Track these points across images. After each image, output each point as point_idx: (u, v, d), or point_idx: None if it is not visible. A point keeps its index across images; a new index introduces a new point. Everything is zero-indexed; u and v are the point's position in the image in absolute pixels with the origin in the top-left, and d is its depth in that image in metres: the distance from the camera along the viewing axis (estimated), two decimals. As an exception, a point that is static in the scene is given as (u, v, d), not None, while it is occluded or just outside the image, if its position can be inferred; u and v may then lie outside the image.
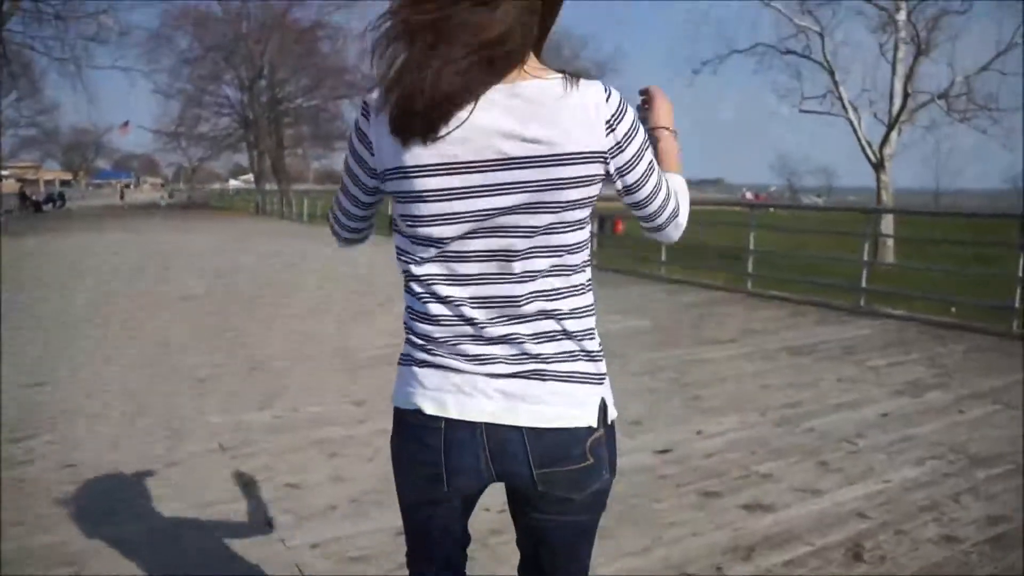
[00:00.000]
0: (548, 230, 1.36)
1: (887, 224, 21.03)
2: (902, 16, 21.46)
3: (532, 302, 1.39)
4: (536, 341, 1.40)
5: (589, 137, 1.32)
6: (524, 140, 1.28)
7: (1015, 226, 8.16)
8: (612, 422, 1.48)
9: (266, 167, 41.06)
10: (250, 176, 54.48)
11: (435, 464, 1.43)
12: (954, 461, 4.01)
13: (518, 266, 1.36)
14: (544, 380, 1.39)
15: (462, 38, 1.24)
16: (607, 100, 1.34)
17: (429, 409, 1.41)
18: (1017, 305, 7.68)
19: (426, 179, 1.31)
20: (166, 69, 38.11)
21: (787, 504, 3.45)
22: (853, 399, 5.16)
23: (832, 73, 23.03)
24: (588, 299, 1.52)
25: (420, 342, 1.43)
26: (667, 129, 1.70)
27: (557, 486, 1.42)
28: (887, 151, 21.91)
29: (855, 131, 22.58)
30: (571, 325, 1.46)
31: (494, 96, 1.28)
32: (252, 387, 5.33)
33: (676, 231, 1.62)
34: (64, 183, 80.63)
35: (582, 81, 1.34)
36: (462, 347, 1.39)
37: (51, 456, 3.97)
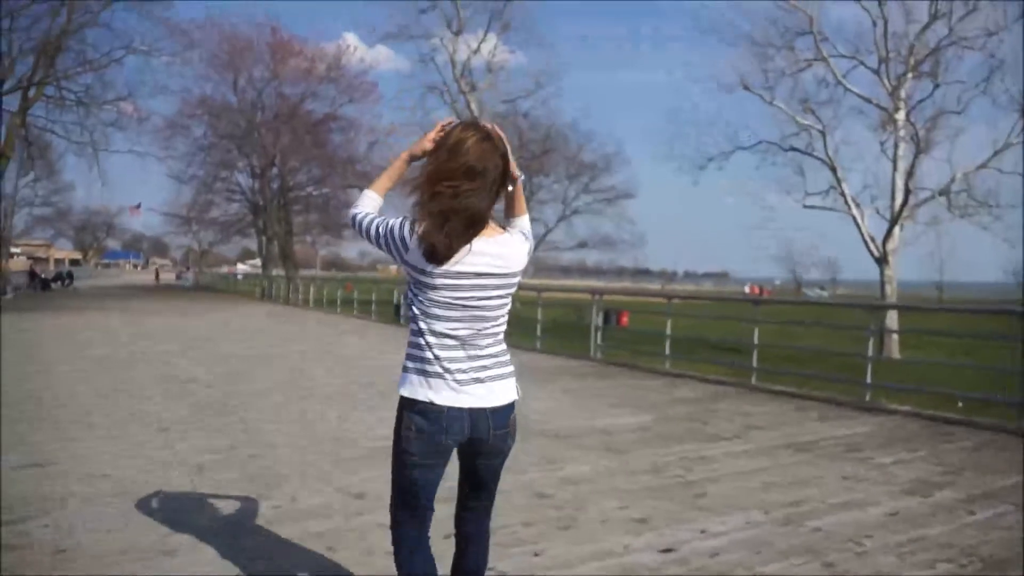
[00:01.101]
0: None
1: (891, 318, 21.07)
2: (901, 116, 21.95)
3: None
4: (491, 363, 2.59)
5: (523, 261, 2.57)
6: (498, 264, 2.49)
7: (1018, 319, 8.16)
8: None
9: (274, 252, 41.43)
10: (258, 261, 54.97)
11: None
12: (966, 564, 3.93)
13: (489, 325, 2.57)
14: (490, 382, 2.56)
15: (469, 213, 2.41)
16: (525, 239, 2.62)
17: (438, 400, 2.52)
18: (1023, 400, 7.62)
19: (438, 280, 2.46)
20: (180, 155, 38.98)
21: (793, 606, 3.37)
22: (858, 498, 5.09)
23: (834, 170, 23.44)
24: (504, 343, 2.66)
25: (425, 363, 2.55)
26: (519, 175, 2.59)
27: (497, 441, 2.60)
28: (890, 246, 22.12)
29: (858, 226, 22.83)
30: (501, 353, 2.63)
31: (480, 243, 2.45)
32: (251, 475, 5.27)
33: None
34: (74, 262, 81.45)
35: (516, 233, 2.60)
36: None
37: (45, 541, 3.91)
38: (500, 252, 2.48)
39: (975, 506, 4.96)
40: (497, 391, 2.56)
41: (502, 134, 2.52)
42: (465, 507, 2.78)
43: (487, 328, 2.54)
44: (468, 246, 2.41)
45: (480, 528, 2.80)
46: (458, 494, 2.78)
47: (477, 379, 2.52)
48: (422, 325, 2.50)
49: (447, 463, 2.62)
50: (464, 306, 2.47)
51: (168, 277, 74.84)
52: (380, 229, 2.58)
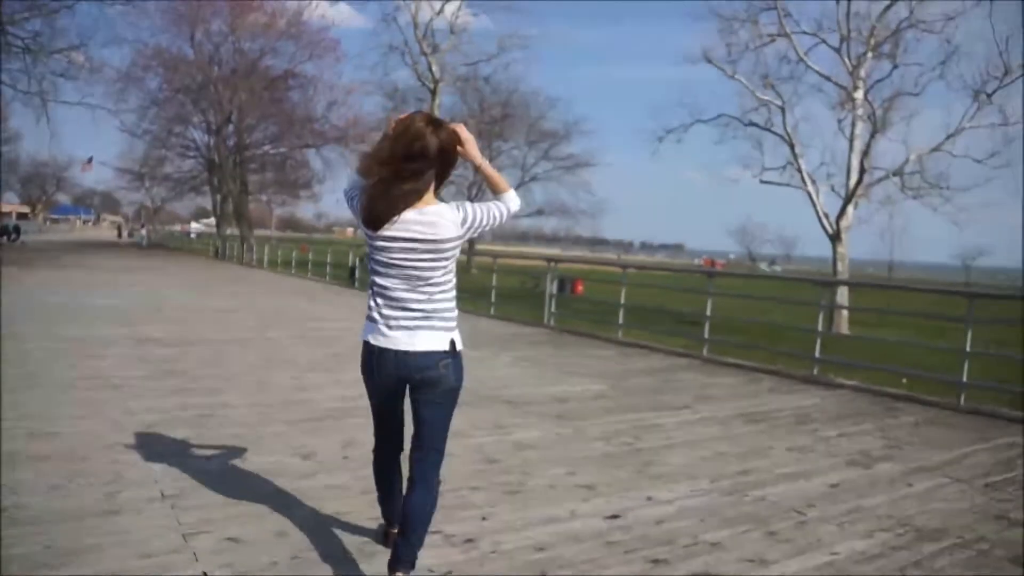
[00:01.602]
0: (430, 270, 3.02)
1: (842, 294, 21.45)
2: (860, 95, 22.22)
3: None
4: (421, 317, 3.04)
5: (453, 231, 2.99)
6: (425, 231, 2.94)
7: (963, 302, 8.34)
8: (459, 351, 3.11)
9: (228, 211, 40.78)
10: (212, 219, 54.14)
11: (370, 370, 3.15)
12: (902, 534, 4.03)
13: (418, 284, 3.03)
14: (416, 331, 3.03)
15: (401, 189, 2.92)
16: (458, 210, 3.03)
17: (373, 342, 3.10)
18: (965, 379, 7.82)
19: (376, 243, 3.00)
20: (134, 108, 37.99)
21: (736, 574, 3.43)
22: (804, 469, 5.19)
23: (792, 146, 23.66)
24: (450, 304, 3.11)
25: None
26: (481, 161, 3.11)
27: (426, 382, 3.07)
28: (843, 223, 22.47)
29: (813, 203, 23.13)
30: (436, 313, 3.05)
31: (409, 214, 2.94)
32: (201, 434, 5.22)
33: (515, 210, 3.19)
34: (21, 216, 79.37)
35: (447, 204, 3.03)
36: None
37: (-15, 500, 3.84)
38: (430, 221, 2.95)
39: (914, 478, 5.09)
40: (421, 339, 3.02)
41: (459, 128, 3.05)
42: (413, 449, 3.16)
43: (419, 286, 3.01)
44: (397, 216, 2.92)
45: (424, 476, 3.12)
46: (412, 438, 3.19)
47: (404, 327, 3.02)
48: (372, 280, 3.10)
49: (399, 399, 3.21)
50: (396, 266, 2.99)
51: (102, 235, 73.33)
52: (352, 203, 3.10)
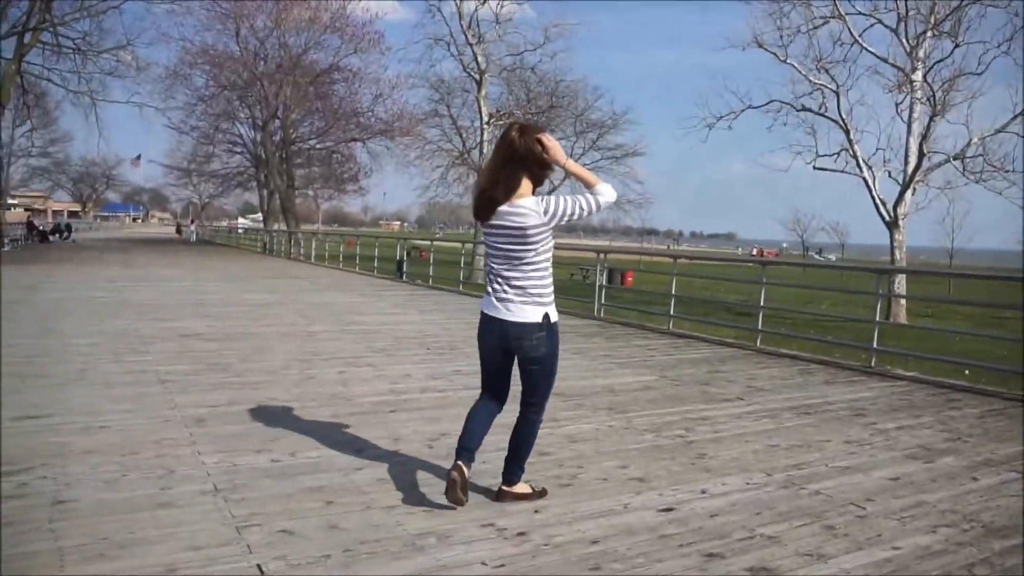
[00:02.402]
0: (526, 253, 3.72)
1: (900, 283, 20.99)
2: (918, 76, 21.65)
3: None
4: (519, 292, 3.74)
5: (536, 219, 3.65)
6: (515, 220, 3.65)
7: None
8: (553, 323, 3.81)
9: (275, 206, 41.20)
10: (259, 215, 54.77)
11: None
12: (968, 530, 3.90)
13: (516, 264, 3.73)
14: (515, 304, 3.72)
15: (498, 187, 3.68)
16: (541, 202, 3.67)
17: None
18: (1029, 370, 7.57)
19: (484, 231, 3.78)
20: (181, 106, 38.67)
21: (792, 569, 3.34)
22: (861, 462, 5.05)
23: (847, 131, 23.19)
24: (543, 281, 3.77)
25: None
26: (567, 162, 3.74)
27: (522, 349, 3.79)
28: (901, 210, 21.95)
29: (869, 189, 22.64)
30: (531, 288, 3.73)
31: (504, 207, 3.67)
32: (251, 429, 5.24)
33: (608, 201, 3.83)
34: (72, 214, 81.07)
35: (534, 198, 3.68)
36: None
37: (43, 492, 3.88)
38: (518, 212, 3.65)
39: (978, 473, 4.93)
40: (517, 312, 3.71)
41: (542, 136, 3.68)
42: (522, 400, 3.99)
43: (517, 265, 3.71)
44: (496, 209, 3.67)
45: (527, 418, 3.99)
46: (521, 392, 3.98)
47: (507, 300, 3.73)
48: (486, 262, 3.89)
49: (504, 360, 3.91)
50: (499, 248, 3.74)
51: (169, 230, 74.57)
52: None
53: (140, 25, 60.80)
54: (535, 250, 3.69)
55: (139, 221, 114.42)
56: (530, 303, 3.71)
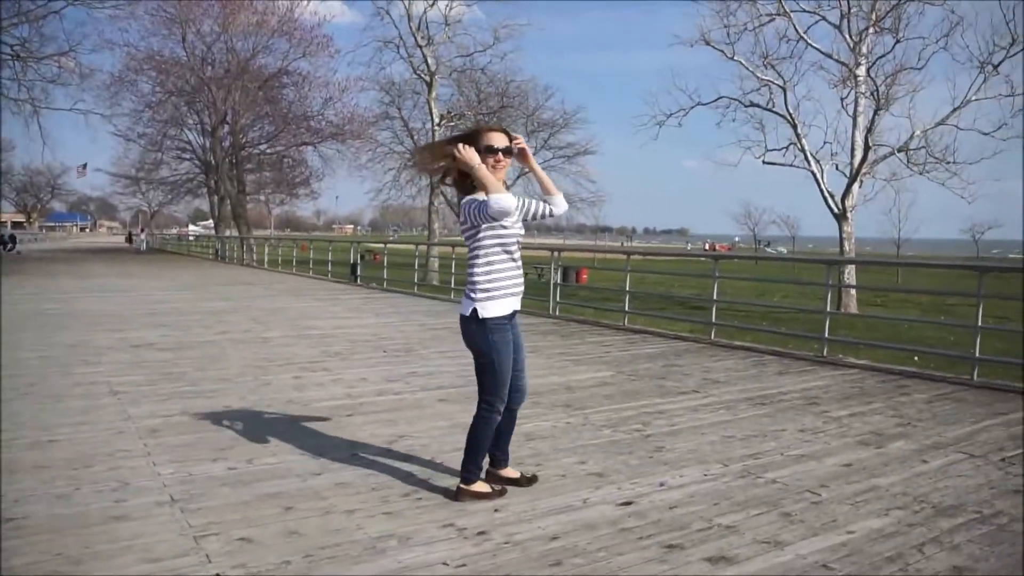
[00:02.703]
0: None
1: (850, 274, 21.38)
2: (862, 71, 22.08)
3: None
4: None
5: (464, 217, 3.92)
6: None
7: (973, 276, 8.28)
8: (482, 320, 3.85)
9: (227, 212, 40.68)
10: (210, 221, 54.08)
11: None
12: (918, 511, 3.99)
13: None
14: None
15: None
16: (472, 200, 3.87)
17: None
18: (977, 354, 7.76)
19: None
20: (127, 113, 37.95)
21: (750, 557, 3.39)
22: (815, 450, 5.14)
23: (795, 126, 23.54)
24: (472, 276, 3.89)
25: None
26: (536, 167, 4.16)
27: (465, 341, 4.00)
28: (849, 202, 22.36)
29: (818, 183, 23.01)
30: (467, 281, 3.88)
31: None
32: (206, 438, 5.18)
33: (556, 212, 4.27)
34: (16, 225, 79.28)
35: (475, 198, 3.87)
36: None
37: (-9, 509, 3.80)
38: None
39: (927, 455, 5.04)
40: (462, 304, 3.97)
41: (454, 146, 3.88)
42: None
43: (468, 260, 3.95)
44: None
45: (476, 414, 4.05)
46: None
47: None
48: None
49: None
50: None
51: (118, 239, 73.25)
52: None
53: (82, 31, 59.35)
54: (468, 245, 3.92)
55: (87, 231, 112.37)
56: (466, 297, 3.93)
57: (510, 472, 4.28)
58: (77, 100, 35.98)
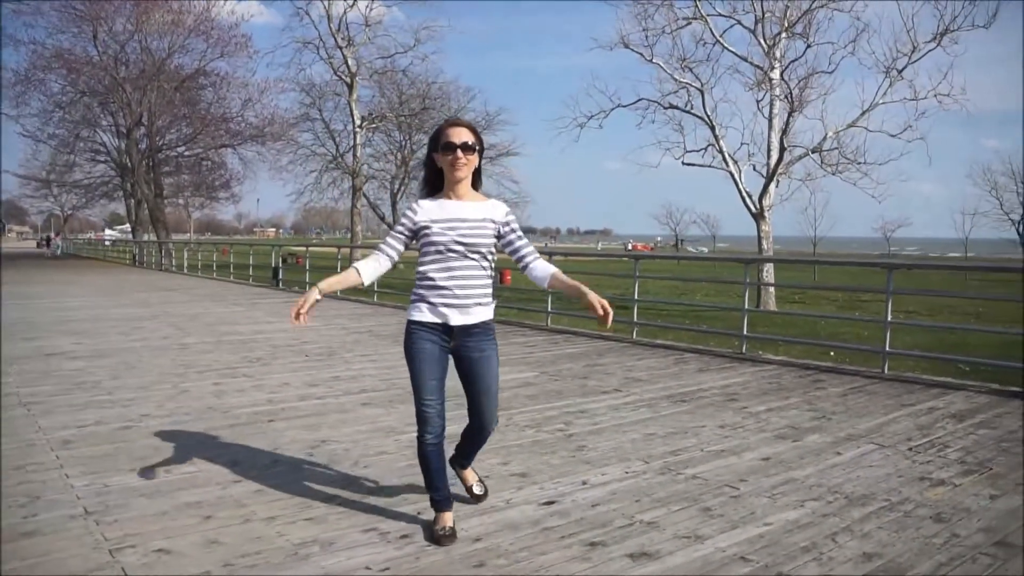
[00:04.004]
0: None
1: (768, 272, 21.91)
2: (776, 75, 22.67)
3: None
4: None
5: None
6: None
7: (883, 273, 8.56)
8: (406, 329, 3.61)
9: (144, 216, 39.63)
10: (127, 226, 52.62)
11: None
12: (832, 502, 4.12)
13: None
14: None
15: None
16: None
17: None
18: (888, 348, 8.03)
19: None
20: (36, 112, 36.62)
21: (671, 552, 3.45)
22: (734, 445, 5.26)
23: (712, 127, 24.01)
24: None
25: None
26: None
27: None
28: (766, 202, 22.92)
29: (736, 183, 23.51)
30: None
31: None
32: (122, 448, 5.04)
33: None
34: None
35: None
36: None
37: None
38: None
39: (841, 447, 5.21)
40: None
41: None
42: None
43: None
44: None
45: None
46: None
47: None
48: None
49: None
50: None
51: (29, 245, 70.74)
52: None
53: (-19, 26, 57.16)
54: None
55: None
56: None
57: (467, 476, 4.05)
58: (-21, 99, 34.47)
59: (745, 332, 9.49)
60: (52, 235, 61.04)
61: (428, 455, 3.61)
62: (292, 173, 36.38)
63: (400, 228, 3.62)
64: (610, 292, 16.06)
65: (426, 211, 3.57)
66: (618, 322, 11.80)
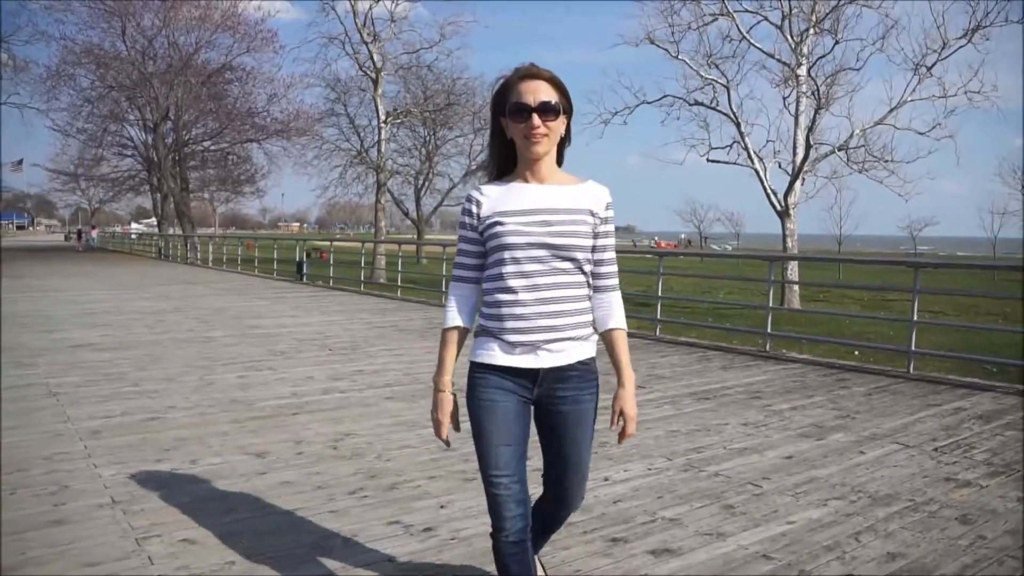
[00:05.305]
0: None
1: (792, 270, 21.79)
2: (803, 71, 22.48)
3: None
4: None
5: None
6: None
7: (911, 272, 8.48)
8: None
9: (170, 210, 39.98)
10: (153, 219, 53.09)
11: None
12: (855, 501, 4.09)
13: None
14: None
15: None
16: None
17: None
18: (913, 348, 7.96)
19: None
20: (65, 107, 37.05)
21: (693, 548, 3.45)
22: (757, 443, 5.24)
23: (738, 124, 23.85)
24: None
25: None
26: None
27: None
28: (791, 200, 22.75)
29: (761, 180, 23.37)
30: None
31: None
32: (148, 439, 5.10)
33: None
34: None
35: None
36: None
37: (-78, 515, 3.70)
38: None
39: (864, 447, 5.17)
40: None
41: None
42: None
43: None
44: None
45: None
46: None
47: None
48: None
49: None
50: None
51: (57, 238, 71.46)
52: None
53: (14, 22, 57.72)
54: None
55: (26, 229, 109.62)
56: None
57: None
58: (11, 93, 34.90)
59: (769, 330, 9.44)
60: (86, 228, 61.58)
61: (506, 560, 2.49)
62: (317, 168, 36.45)
63: (464, 234, 2.50)
64: (634, 289, 16.02)
65: (493, 200, 2.42)
66: (642, 319, 11.79)
